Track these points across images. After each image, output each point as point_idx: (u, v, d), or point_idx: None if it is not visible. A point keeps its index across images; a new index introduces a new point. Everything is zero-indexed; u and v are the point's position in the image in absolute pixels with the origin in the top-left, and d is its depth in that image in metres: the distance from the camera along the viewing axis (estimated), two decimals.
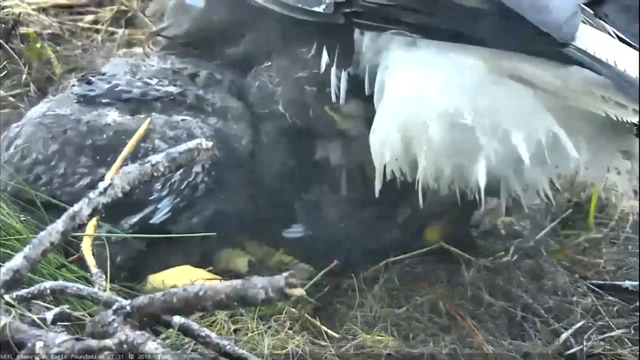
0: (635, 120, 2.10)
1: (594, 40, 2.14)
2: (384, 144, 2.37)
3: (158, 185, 2.53)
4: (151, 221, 2.53)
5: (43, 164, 2.57)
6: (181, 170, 2.51)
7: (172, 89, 2.69)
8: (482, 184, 2.30)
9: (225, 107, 2.69)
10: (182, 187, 2.54)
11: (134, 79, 2.71)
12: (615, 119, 2.12)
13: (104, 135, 2.58)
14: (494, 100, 2.25)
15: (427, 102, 2.28)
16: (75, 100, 2.67)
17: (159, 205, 2.53)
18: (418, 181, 2.37)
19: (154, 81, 2.70)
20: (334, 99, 2.52)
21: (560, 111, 2.21)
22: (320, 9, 2.35)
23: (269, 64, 2.68)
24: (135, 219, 2.52)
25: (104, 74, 2.76)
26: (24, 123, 2.67)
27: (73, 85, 2.77)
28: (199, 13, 2.76)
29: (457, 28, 2.19)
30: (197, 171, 2.55)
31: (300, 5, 2.39)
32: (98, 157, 2.55)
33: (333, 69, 2.48)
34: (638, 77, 2.08)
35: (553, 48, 2.12)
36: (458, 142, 2.29)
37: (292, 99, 2.62)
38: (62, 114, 2.64)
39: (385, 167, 2.40)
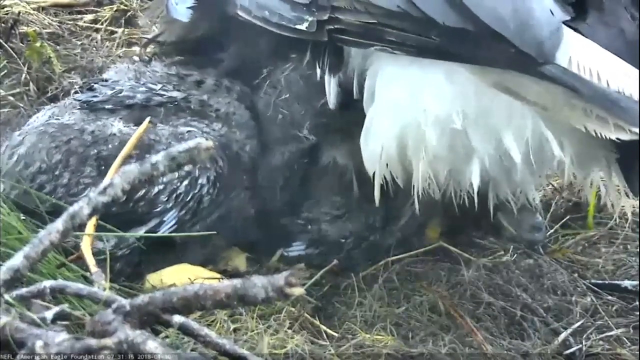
0: (614, 137, 2.08)
1: (580, 53, 2.13)
2: (380, 151, 2.38)
3: (163, 197, 2.53)
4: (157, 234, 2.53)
5: (46, 174, 2.54)
6: (186, 182, 2.52)
7: (175, 94, 2.68)
8: (476, 185, 2.31)
9: (229, 113, 2.68)
10: (188, 200, 2.53)
11: (137, 84, 2.70)
12: (594, 134, 2.11)
13: (109, 146, 2.55)
14: (484, 105, 2.25)
15: (422, 109, 2.29)
16: (78, 107, 2.66)
17: (164, 218, 2.53)
18: (414, 187, 2.38)
19: (158, 86, 2.69)
20: (330, 104, 2.53)
21: (546, 116, 2.22)
22: (303, 27, 2.36)
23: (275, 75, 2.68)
24: (140, 231, 2.51)
25: (106, 80, 2.74)
26: (26, 131, 2.63)
27: (75, 92, 2.76)
28: (185, 25, 2.74)
29: (439, 46, 2.19)
30: (202, 183, 2.55)
31: (284, 23, 2.39)
32: (103, 168, 2.53)
33: (325, 76, 2.49)
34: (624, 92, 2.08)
35: (533, 67, 2.11)
36: (453, 147, 2.30)
37: (311, 122, 2.64)
38: (65, 123, 2.61)
39: (376, 173, 2.41)
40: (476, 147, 2.29)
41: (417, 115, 2.30)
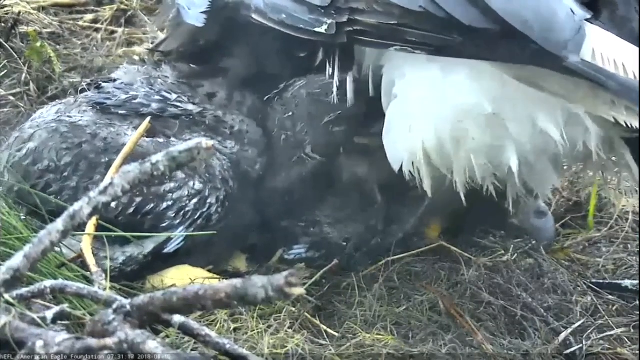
0: None
1: (604, 47, 2.14)
2: (420, 146, 2.36)
3: (171, 213, 2.52)
4: (164, 251, 2.53)
5: (55, 173, 2.51)
6: (195, 200, 2.51)
7: (191, 107, 2.65)
8: (515, 170, 2.31)
9: (242, 131, 2.66)
10: (196, 218, 2.53)
11: (152, 91, 2.65)
12: (624, 125, 2.14)
13: None
14: (515, 95, 2.26)
15: (454, 104, 2.30)
16: (90, 108, 2.62)
17: (171, 235, 2.52)
18: (455, 181, 2.38)
19: (173, 96, 2.65)
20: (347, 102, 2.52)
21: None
22: (322, 29, 2.35)
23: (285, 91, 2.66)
24: (148, 248, 2.51)
25: (114, 80, 2.70)
26: (38, 125, 2.58)
27: (82, 90, 2.72)
28: (197, 30, 2.69)
29: (462, 45, 2.20)
30: (211, 202, 2.54)
31: (302, 26, 2.38)
32: None
33: (336, 74, 2.48)
34: None
35: (557, 65, 2.12)
36: (491, 136, 2.31)
37: (321, 143, 2.63)
38: (78, 125, 2.56)
39: (421, 169, 2.40)
40: (513, 134, 2.29)
41: (450, 109, 2.30)
